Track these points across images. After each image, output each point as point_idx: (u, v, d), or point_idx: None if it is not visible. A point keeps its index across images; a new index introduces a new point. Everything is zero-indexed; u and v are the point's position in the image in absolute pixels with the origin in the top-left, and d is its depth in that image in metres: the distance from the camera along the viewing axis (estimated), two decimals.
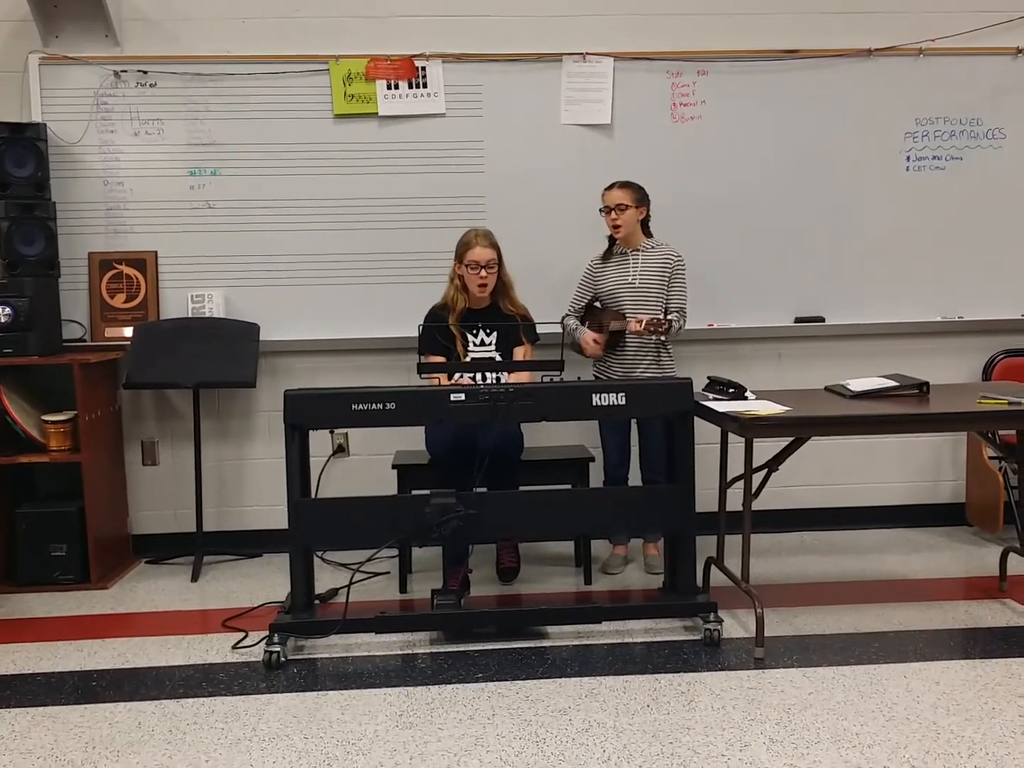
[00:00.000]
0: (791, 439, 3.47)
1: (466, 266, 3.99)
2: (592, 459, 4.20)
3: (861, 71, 4.61)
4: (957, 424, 3.70)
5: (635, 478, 4.32)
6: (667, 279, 4.14)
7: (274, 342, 4.53)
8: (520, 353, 4.10)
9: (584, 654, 3.35)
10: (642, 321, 3.90)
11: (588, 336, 4.13)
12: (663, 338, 3.97)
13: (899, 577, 4.13)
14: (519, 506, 3.54)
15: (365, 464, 4.68)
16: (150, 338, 4.38)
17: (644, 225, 4.18)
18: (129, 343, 4.40)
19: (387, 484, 4.19)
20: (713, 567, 3.81)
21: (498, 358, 4.07)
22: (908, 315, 4.73)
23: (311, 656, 3.40)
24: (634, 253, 4.15)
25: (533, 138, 4.56)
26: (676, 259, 4.16)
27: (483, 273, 3.98)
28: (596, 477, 4.26)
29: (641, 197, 4.12)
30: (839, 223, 4.68)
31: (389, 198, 4.54)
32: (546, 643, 3.45)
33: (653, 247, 4.18)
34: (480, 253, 3.97)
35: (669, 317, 3.95)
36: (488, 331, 4.08)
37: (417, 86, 4.50)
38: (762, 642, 3.28)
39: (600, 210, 4.13)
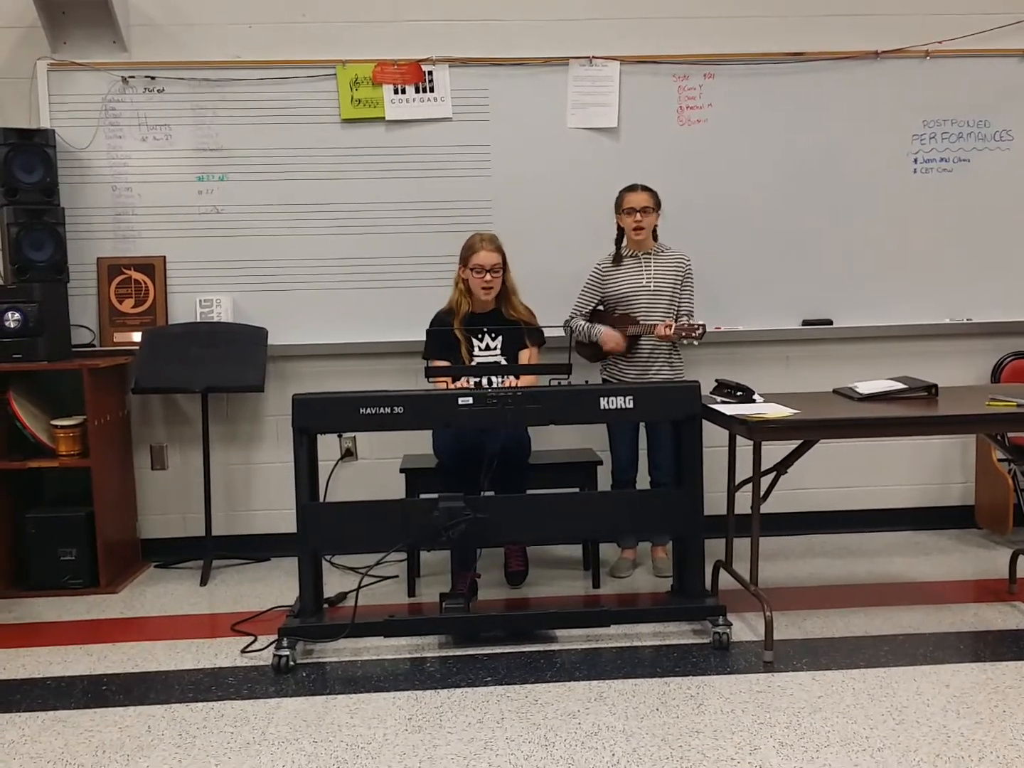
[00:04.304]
0: (799, 442, 3.46)
1: (471, 270, 4.00)
2: (600, 462, 4.20)
3: (868, 73, 4.61)
4: (966, 426, 3.68)
5: (643, 481, 4.32)
6: (679, 282, 4.15)
7: (282, 346, 4.54)
8: (525, 356, 4.10)
9: (593, 657, 3.35)
10: (670, 326, 3.91)
11: (610, 331, 4.11)
12: (695, 344, 3.97)
13: (908, 580, 4.12)
14: (527, 510, 3.54)
15: (373, 468, 4.69)
16: (159, 343, 4.39)
17: (653, 229, 4.18)
18: (138, 348, 4.40)
19: (395, 488, 4.19)
20: (722, 570, 3.81)
21: (503, 362, 4.08)
22: (916, 317, 4.72)
23: (320, 660, 3.40)
24: (645, 256, 4.15)
25: (539, 142, 4.56)
26: (687, 263, 4.18)
27: (488, 277, 3.98)
28: (604, 480, 4.26)
29: (658, 201, 4.13)
30: (847, 225, 4.68)
31: (396, 202, 4.55)
32: (555, 646, 3.45)
33: (663, 251, 4.18)
34: (485, 257, 3.98)
35: (702, 322, 3.94)
36: (493, 335, 4.08)
37: (424, 90, 4.51)
38: (771, 645, 3.28)
39: (622, 211, 4.12)
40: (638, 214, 4.07)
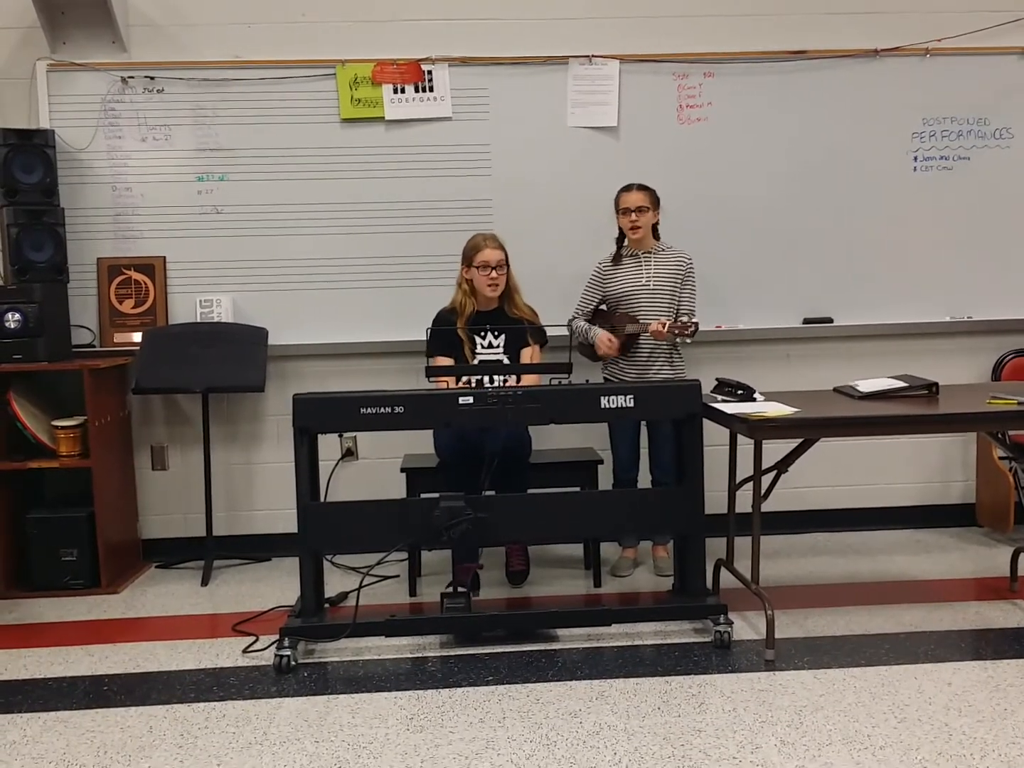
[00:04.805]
0: (800, 440, 3.46)
1: (476, 268, 4.00)
2: (601, 461, 4.20)
3: (868, 71, 4.61)
4: (967, 425, 3.68)
5: (644, 480, 4.32)
6: (679, 281, 4.15)
7: (282, 346, 4.54)
8: (527, 355, 4.10)
9: (594, 656, 3.35)
10: (665, 324, 3.91)
11: (604, 335, 4.12)
12: (688, 340, 3.97)
13: (909, 578, 4.12)
14: (528, 509, 3.54)
15: (374, 468, 4.69)
16: (159, 343, 4.39)
17: (653, 228, 4.18)
18: (138, 348, 4.40)
19: (396, 487, 4.20)
20: (723, 569, 3.81)
21: (506, 360, 4.08)
22: (917, 315, 4.72)
23: (321, 660, 3.40)
24: (646, 255, 4.15)
25: (539, 141, 4.56)
26: (688, 262, 4.17)
27: (493, 274, 3.99)
28: (605, 479, 4.26)
29: (656, 200, 4.13)
30: (847, 223, 4.67)
31: (396, 202, 4.55)
32: (556, 646, 3.45)
33: (664, 249, 4.18)
34: (490, 254, 3.99)
35: (695, 320, 3.95)
36: (496, 333, 4.08)
37: (423, 90, 4.51)
38: (773, 644, 3.28)
39: (618, 212, 4.13)
40: (633, 214, 4.08)
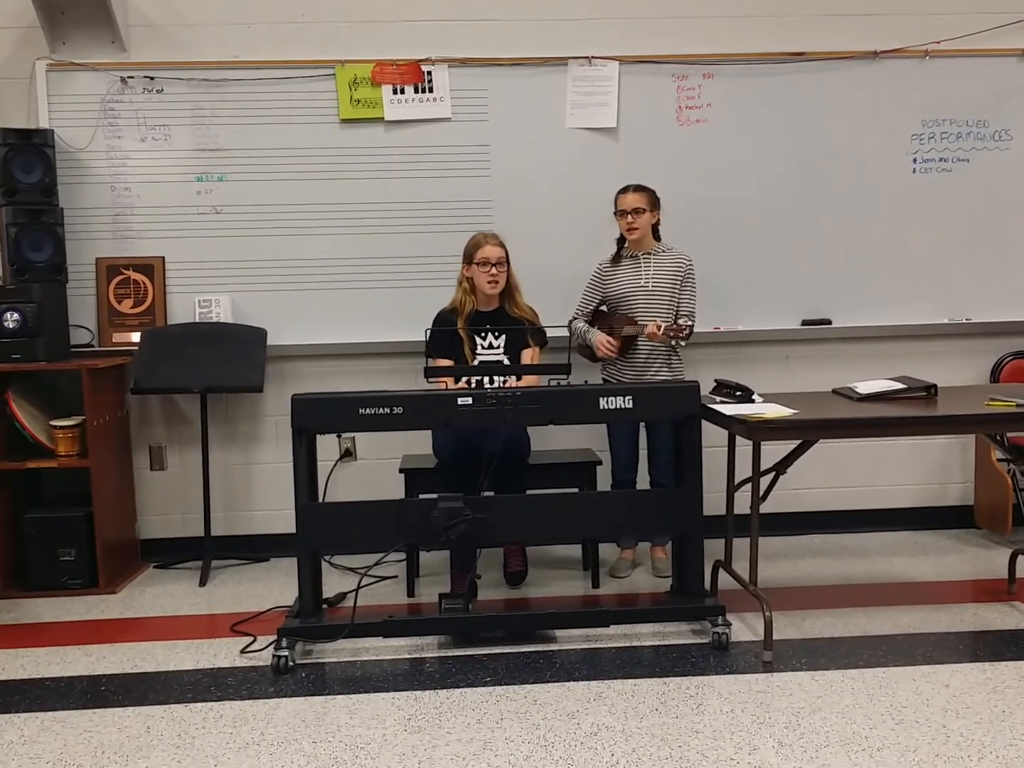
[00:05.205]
0: (799, 442, 3.46)
1: (477, 265, 4.01)
2: (600, 462, 4.20)
3: (867, 73, 4.61)
4: (965, 426, 3.67)
5: (643, 481, 4.31)
6: (679, 283, 4.14)
7: (281, 346, 4.53)
8: (527, 356, 4.10)
9: (592, 658, 3.35)
10: (660, 327, 3.90)
11: (601, 337, 4.12)
12: (683, 343, 3.97)
13: (908, 580, 4.12)
14: (527, 510, 3.54)
15: (372, 468, 4.68)
16: (158, 343, 4.39)
17: (654, 229, 4.18)
18: (137, 348, 4.40)
19: (395, 488, 4.19)
20: (721, 570, 3.81)
21: (506, 360, 4.08)
22: (915, 317, 4.72)
23: (319, 660, 3.40)
24: (645, 256, 4.15)
25: (539, 142, 4.56)
26: (687, 263, 4.17)
27: (494, 271, 3.99)
28: (604, 480, 4.26)
29: (654, 201, 4.12)
30: (846, 225, 4.67)
31: (395, 202, 4.55)
32: (554, 647, 3.45)
33: (664, 251, 4.18)
34: (491, 251, 4.00)
35: (689, 323, 3.94)
36: (496, 334, 4.09)
37: (423, 91, 4.51)
38: (771, 645, 3.28)
39: (615, 213, 4.14)
40: (629, 216, 4.08)
